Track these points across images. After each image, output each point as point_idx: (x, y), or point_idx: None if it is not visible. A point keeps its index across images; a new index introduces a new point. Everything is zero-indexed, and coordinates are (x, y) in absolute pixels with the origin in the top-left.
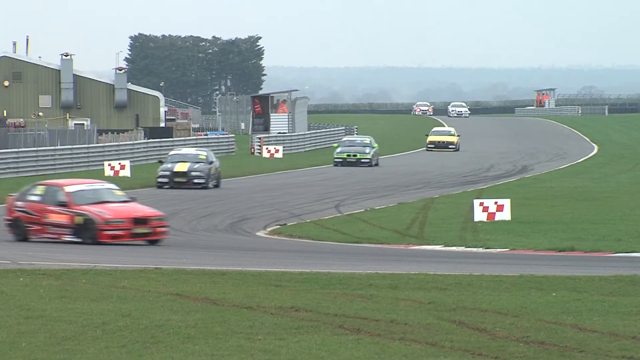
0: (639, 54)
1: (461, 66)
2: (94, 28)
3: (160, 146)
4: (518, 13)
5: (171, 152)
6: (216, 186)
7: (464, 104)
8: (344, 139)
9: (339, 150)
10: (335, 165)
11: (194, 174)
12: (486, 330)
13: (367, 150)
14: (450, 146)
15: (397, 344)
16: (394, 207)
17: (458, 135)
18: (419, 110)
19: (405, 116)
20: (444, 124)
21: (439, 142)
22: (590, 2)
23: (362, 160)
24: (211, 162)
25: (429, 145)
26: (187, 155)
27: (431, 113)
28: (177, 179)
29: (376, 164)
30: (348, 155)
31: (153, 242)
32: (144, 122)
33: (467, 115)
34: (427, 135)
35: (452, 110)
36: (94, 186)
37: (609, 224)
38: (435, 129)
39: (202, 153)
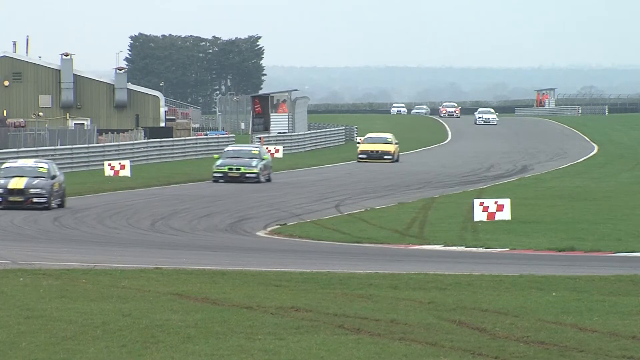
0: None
1: (461, 66)
2: (94, 28)
3: (161, 146)
4: (518, 13)
5: (4, 165)
6: (60, 206)
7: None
8: (227, 149)
9: (219, 162)
10: (215, 181)
11: (33, 191)
12: (486, 330)
13: (255, 163)
14: (386, 157)
15: (397, 344)
16: (394, 207)
17: (396, 143)
18: (445, 111)
19: (406, 116)
20: (444, 124)
21: (372, 151)
22: (590, 2)
23: (247, 176)
24: (54, 177)
25: (359, 156)
26: (24, 169)
27: (459, 115)
28: (12, 198)
29: (267, 180)
30: (230, 169)
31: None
32: (144, 122)
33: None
34: (359, 143)
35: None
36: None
37: (609, 224)
38: (369, 135)
39: (43, 165)
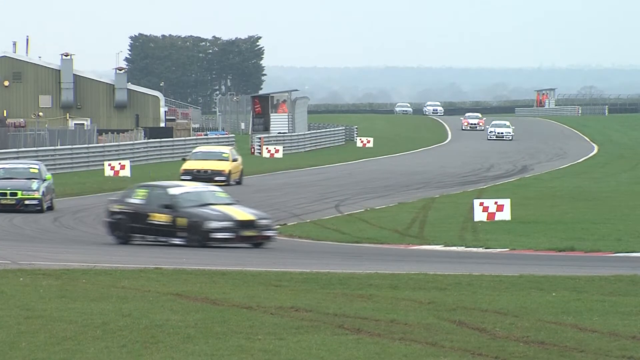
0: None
1: (461, 66)
2: (94, 28)
3: (161, 146)
4: (518, 13)
5: None
6: (50, 208)
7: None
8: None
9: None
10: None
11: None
12: (486, 330)
13: (35, 186)
14: (217, 178)
15: (397, 344)
16: (394, 207)
17: (235, 160)
18: (467, 123)
19: (405, 116)
20: (444, 124)
21: (198, 171)
22: (590, 2)
23: (27, 203)
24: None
25: (182, 177)
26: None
27: (482, 128)
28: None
29: (49, 208)
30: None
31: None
32: (144, 122)
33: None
34: (184, 160)
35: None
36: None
37: (609, 224)
38: (199, 149)
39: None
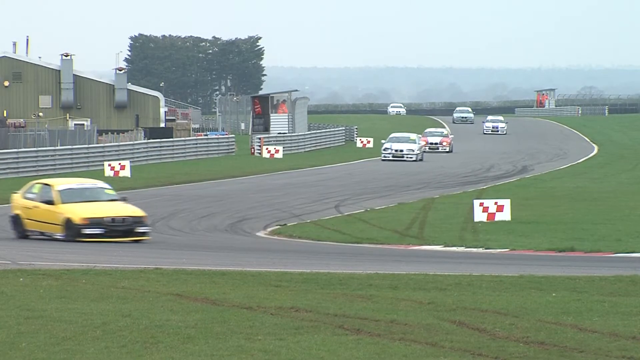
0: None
1: (461, 66)
2: (94, 28)
3: (161, 146)
4: (518, 13)
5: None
6: None
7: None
8: (392, 135)
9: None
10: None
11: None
12: (486, 330)
13: None
14: None
15: (397, 344)
16: (394, 207)
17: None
18: (425, 142)
19: (406, 116)
20: (444, 124)
21: None
22: (590, 2)
23: None
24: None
25: None
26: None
27: (447, 149)
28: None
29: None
30: None
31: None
32: (144, 123)
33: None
34: None
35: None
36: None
37: (609, 224)
38: None
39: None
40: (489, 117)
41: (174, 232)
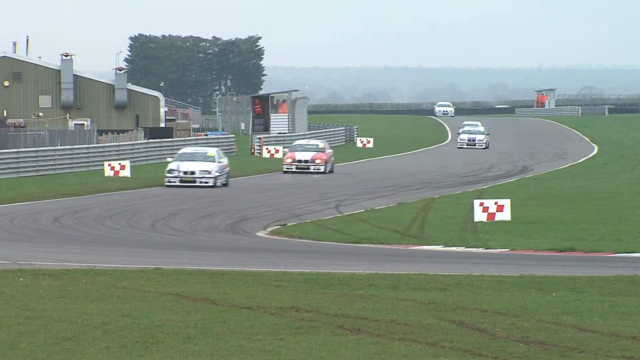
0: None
1: (461, 66)
2: (94, 28)
3: (161, 146)
4: (518, 13)
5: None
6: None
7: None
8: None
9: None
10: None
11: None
12: (486, 330)
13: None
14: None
15: (397, 344)
16: (394, 207)
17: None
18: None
19: (405, 116)
20: (444, 124)
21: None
22: (590, 2)
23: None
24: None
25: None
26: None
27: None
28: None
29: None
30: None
31: None
32: (144, 122)
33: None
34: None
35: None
36: None
37: (609, 224)
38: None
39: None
40: (466, 125)
41: (174, 232)
